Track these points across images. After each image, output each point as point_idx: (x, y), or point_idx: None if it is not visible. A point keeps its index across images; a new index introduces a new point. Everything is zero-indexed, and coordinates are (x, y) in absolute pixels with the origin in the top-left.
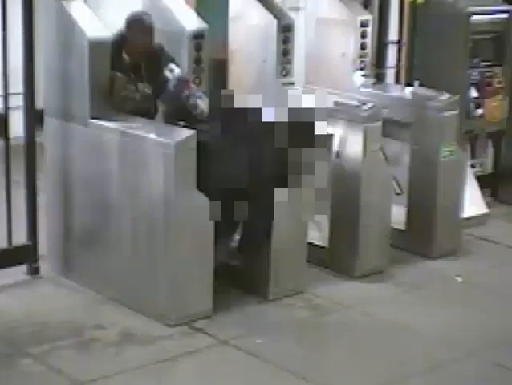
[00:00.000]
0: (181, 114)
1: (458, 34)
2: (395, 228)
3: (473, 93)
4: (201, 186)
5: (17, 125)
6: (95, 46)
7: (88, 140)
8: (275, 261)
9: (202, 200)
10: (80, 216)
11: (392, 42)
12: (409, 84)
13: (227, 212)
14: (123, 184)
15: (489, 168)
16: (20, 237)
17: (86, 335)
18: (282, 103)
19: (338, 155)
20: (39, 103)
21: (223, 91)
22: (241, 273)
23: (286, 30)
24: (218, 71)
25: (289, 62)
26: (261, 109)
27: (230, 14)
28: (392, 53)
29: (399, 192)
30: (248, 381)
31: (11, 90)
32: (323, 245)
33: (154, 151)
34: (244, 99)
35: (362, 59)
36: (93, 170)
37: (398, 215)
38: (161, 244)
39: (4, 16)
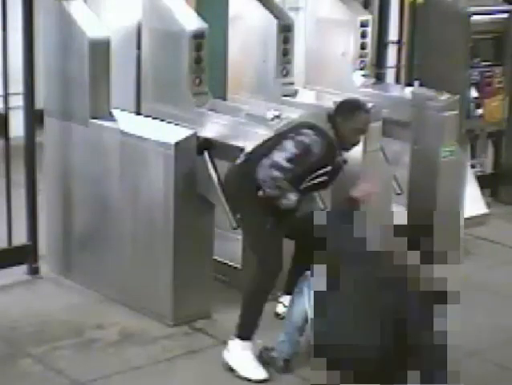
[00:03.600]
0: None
1: (458, 34)
2: None
3: (473, 93)
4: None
5: (17, 125)
6: (95, 46)
7: (88, 140)
8: None
9: (202, 200)
10: (80, 216)
11: (392, 42)
12: (409, 84)
13: None
14: (123, 184)
15: (489, 168)
16: (20, 237)
17: (86, 335)
18: None
19: None
20: (39, 103)
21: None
22: (241, 274)
23: (286, 30)
24: None
25: (289, 62)
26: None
27: (230, 14)
28: (392, 53)
29: (399, 192)
30: (248, 381)
31: (11, 90)
32: None
33: (154, 151)
34: None
35: (362, 59)
36: (93, 170)
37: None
38: (161, 244)
39: (4, 16)
